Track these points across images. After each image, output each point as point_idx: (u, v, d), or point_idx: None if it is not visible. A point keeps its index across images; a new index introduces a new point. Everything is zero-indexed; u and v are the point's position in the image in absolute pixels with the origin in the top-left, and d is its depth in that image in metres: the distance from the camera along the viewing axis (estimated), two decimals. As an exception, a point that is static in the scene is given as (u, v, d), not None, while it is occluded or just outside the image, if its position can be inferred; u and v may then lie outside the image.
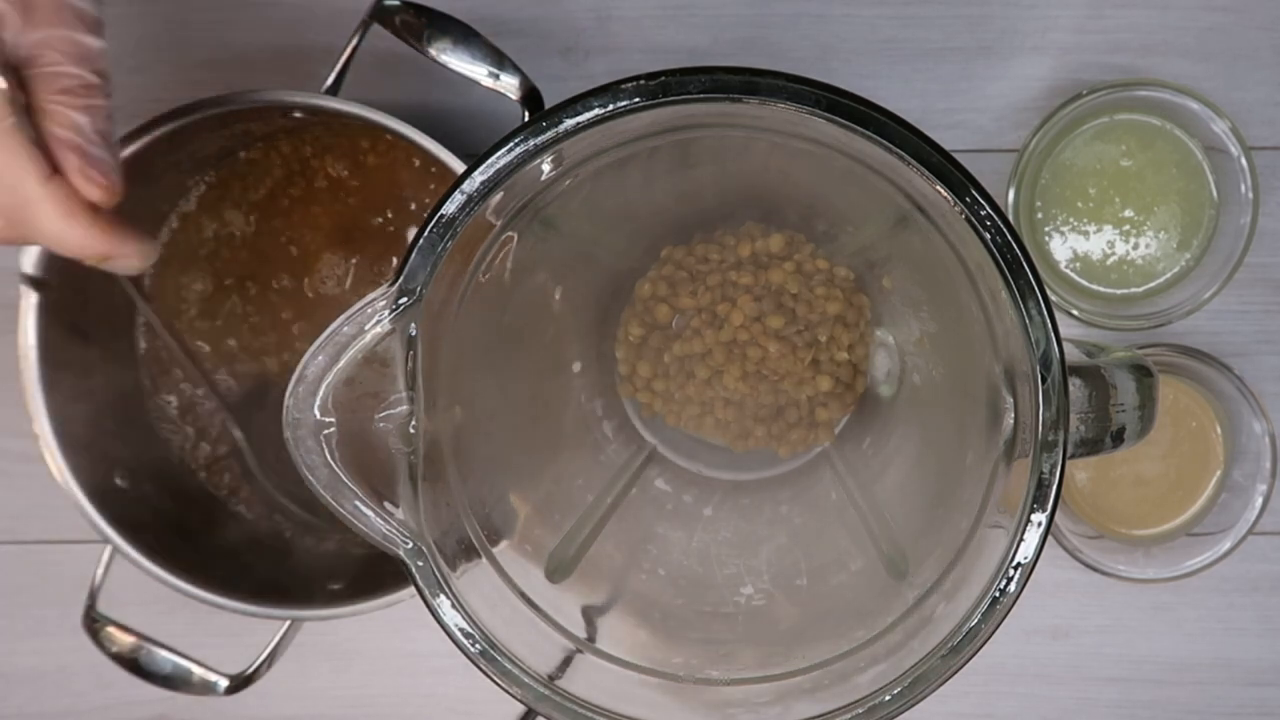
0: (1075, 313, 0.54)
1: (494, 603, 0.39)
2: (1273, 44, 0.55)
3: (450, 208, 0.35)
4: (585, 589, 0.45)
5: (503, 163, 0.35)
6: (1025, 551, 0.36)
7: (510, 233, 0.40)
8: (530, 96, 0.49)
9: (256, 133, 0.54)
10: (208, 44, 0.57)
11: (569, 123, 0.35)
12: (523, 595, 0.40)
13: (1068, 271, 0.55)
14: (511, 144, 0.35)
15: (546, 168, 0.37)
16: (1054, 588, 0.58)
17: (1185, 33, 0.55)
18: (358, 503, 0.36)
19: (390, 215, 0.55)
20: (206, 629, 0.55)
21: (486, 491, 0.42)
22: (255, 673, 0.52)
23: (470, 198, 0.35)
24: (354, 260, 0.56)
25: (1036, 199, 0.55)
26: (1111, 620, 0.58)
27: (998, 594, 0.36)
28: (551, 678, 0.38)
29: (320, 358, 0.35)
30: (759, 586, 0.47)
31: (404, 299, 0.35)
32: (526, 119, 0.45)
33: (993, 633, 0.36)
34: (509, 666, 0.37)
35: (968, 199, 0.34)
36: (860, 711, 0.36)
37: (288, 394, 0.35)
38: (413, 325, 0.36)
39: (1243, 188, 0.53)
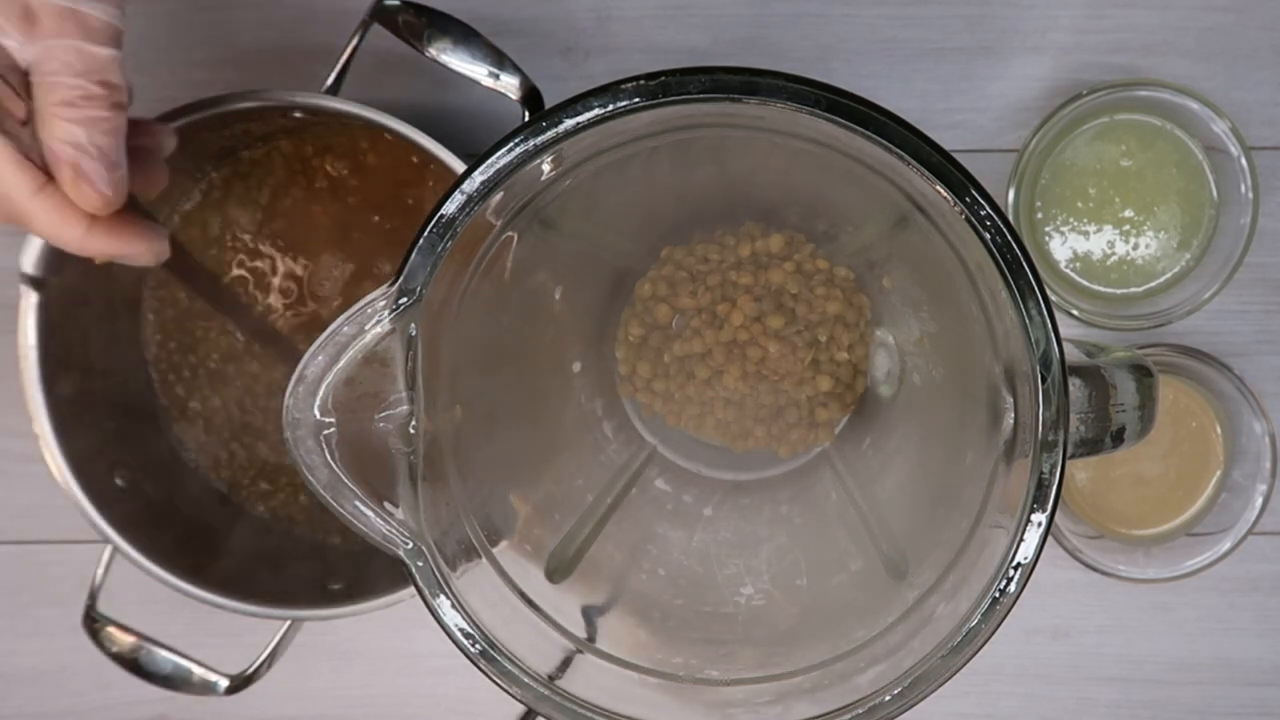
0: (1075, 313, 0.54)
1: (494, 603, 0.39)
2: (1273, 44, 0.55)
3: (450, 208, 0.35)
4: (585, 589, 0.44)
5: (503, 163, 0.35)
6: (1025, 551, 0.36)
7: (510, 233, 0.40)
8: (530, 96, 0.49)
9: (257, 133, 0.54)
10: (208, 44, 0.57)
11: (569, 123, 0.35)
12: (523, 595, 0.40)
13: (1068, 271, 0.55)
14: (511, 144, 0.35)
15: (546, 168, 0.37)
16: (1054, 588, 0.58)
17: (1185, 33, 0.55)
18: (358, 503, 0.36)
19: (390, 215, 0.55)
20: (206, 629, 0.55)
21: (486, 491, 0.42)
22: (255, 673, 0.52)
23: (470, 198, 0.35)
24: (353, 259, 0.56)
25: (1036, 199, 0.55)
26: (1111, 620, 0.58)
27: (998, 594, 0.36)
28: (551, 678, 0.38)
29: (320, 358, 0.35)
30: (759, 586, 0.47)
31: (404, 299, 0.35)
32: (526, 119, 0.45)
33: (993, 633, 0.36)
34: (509, 666, 0.37)
35: (968, 199, 0.34)
36: (860, 712, 0.36)
37: (288, 394, 0.35)
38: (413, 325, 0.36)
39: (1243, 188, 0.53)
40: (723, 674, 0.41)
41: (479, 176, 0.35)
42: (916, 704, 0.36)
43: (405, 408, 0.37)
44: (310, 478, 0.36)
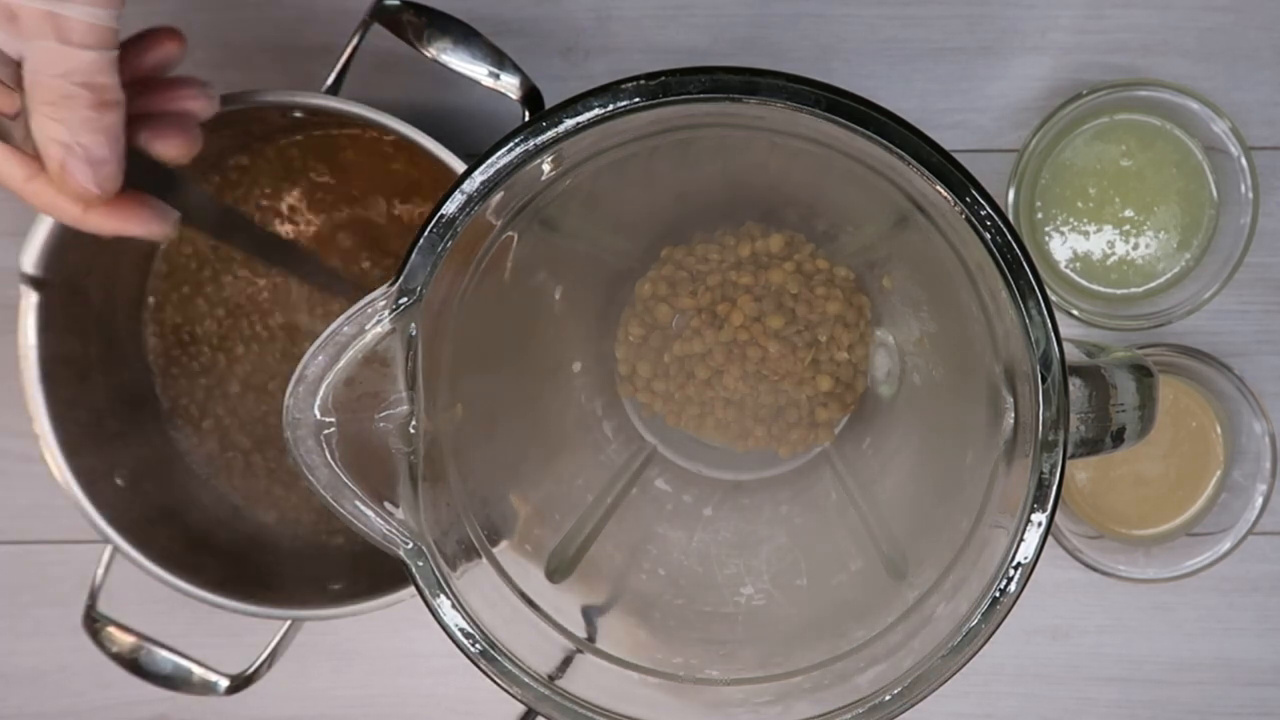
0: (1075, 313, 0.54)
1: (494, 603, 0.39)
2: (1273, 44, 0.55)
3: (450, 208, 0.35)
4: (585, 589, 0.45)
5: (503, 163, 0.35)
6: (1025, 551, 0.36)
7: (510, 233, 0.40)
8: (530, 96, 0.49)
9: (257, 133, 0.54)
10: (208, 44, 0.57)
11: (569, 123, 0.35)
12: (523, 595, 0.40)
13: (1068, 271, 0.55)
14: (511, 144, 0.35)
15: (546, 168, 0.37)
16: (1054, 588, 0.58)
17: (1185, 33, 0.55)
18: (358, 503, 0.36)
19: (390, 215, 0.55)
20: (206, 629, 0.55)
21: (487, 491, 0.42)
22: (255, 673, 0.52)
23: (470, 198, 0.35)
24: (353, 258, 0.56)
25: (1036, 199, 0.55)
26: (1111, 620, 0.58)
27: (998, 594, 0.36)
28: (551, 678, 0.38)
29: (320, 358, 0.35)
30: (759, 586, 0.47)
31: (404, 299, 0.35)
32: (526, 119, 0.45)
33: (993, 633, 0.36)
34: (509, 666, 0.37)
35: (968, 199, 0.34)
36: (860, 711, 0.36)
37: (288, 394, 0.35)
38: (413, 325, 0.36)
39: (1243, 188, 0.53)
40: (723, 674, 0.41)
41: (479, 176, 0.35)
42: (916, 704, 0.36)
43: (405, 408, 0.37)
44: (310, 478, 0.36)
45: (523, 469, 0.48)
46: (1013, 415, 0.37)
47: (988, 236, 0.34)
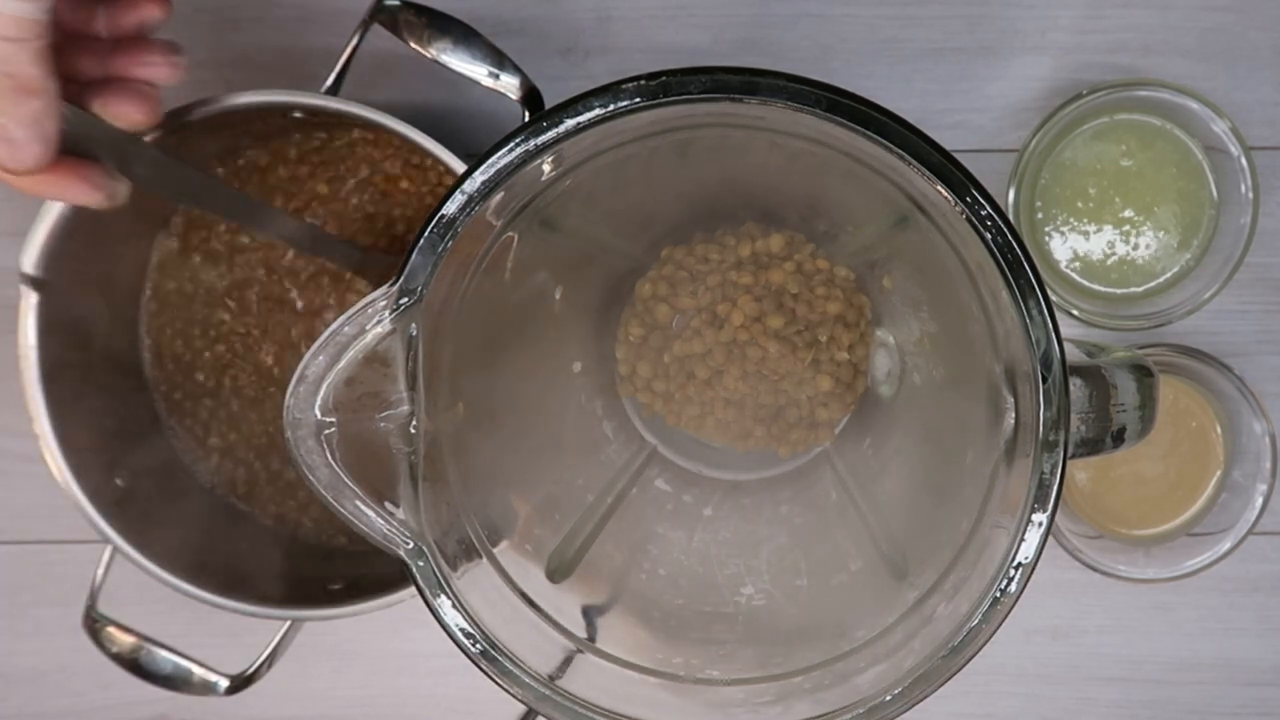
0: (1075, 313, 0.54)
1: (494, 603, 0.39)
2: (1273, 44, 0.56)
3: (450, 208, 0.35)
4: (585, 589, 0.45)
5: (503, 163, 0.35)
6: (1026, 551, 0.36)
7: (510, 233, 0.40)
8: (530, 96, 0.49)
9: (256, 133, 0.54)
10: (208, 44, 0.57)
11: (569, 123, 0.35)
12: (523, 595, 0.40)
13: (1068, 271, 0.55)
14: (512, 144, 0.35)
15: (547, 168, 0.37)
16: (1054, 588, 0.58)
17: (1185, 33, 0.55)
18: (358, 503, 0.36)
19: (390, 215, 0.55)
20: (206, 629, 0.55)
21: (487, 491, 0.42)
22: (255, 673, 0.52)
23: (470, 198, 0.35)
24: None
25: (1036, 199, 0.55)
26: (1111, 620, 0.58)
27: (998, 594, 0.36)
28: (552, 678, 0.38)
29: (321, 358, 0.35)
30: (759, 586, 0.47)
31: (405, 299, 0.35)
32: (526, 119, 0.45)
33: (993, 633, 0.36)
34: (509, 666, 0.37)
35: (968, 199, 0.34)
36: (861, 712, 0.36)
37: (288, 394, 0.35)
38: (413, 325, 0.36)
39: (1243, 188, 0.53)
40: (723, 674, 0.41)
41: (479, 176, 0.35)
42: (917, 704, 0.36)
43: (406, 408, 0.37)
44: (311, 478, 0.36)
45: (523, 469, 0.48)
46: (1013, 415, 0.37)
47: (988, 236, 0.34)
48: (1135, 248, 0.55)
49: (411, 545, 0.36)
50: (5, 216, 0.58)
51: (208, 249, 0.56)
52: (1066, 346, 0.35)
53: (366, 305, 0.35)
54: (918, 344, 0.51)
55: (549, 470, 0.50)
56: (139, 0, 0.43)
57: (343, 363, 0.35)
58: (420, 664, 0.60)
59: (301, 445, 0.35)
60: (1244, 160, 0.52)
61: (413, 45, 0.49)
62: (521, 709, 0.56)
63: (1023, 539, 0.36)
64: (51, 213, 0.48)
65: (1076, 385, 0.36)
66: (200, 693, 0.52)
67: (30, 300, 0.50)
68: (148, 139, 0.47)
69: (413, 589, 0.37)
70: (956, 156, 0.34)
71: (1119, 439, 0.37)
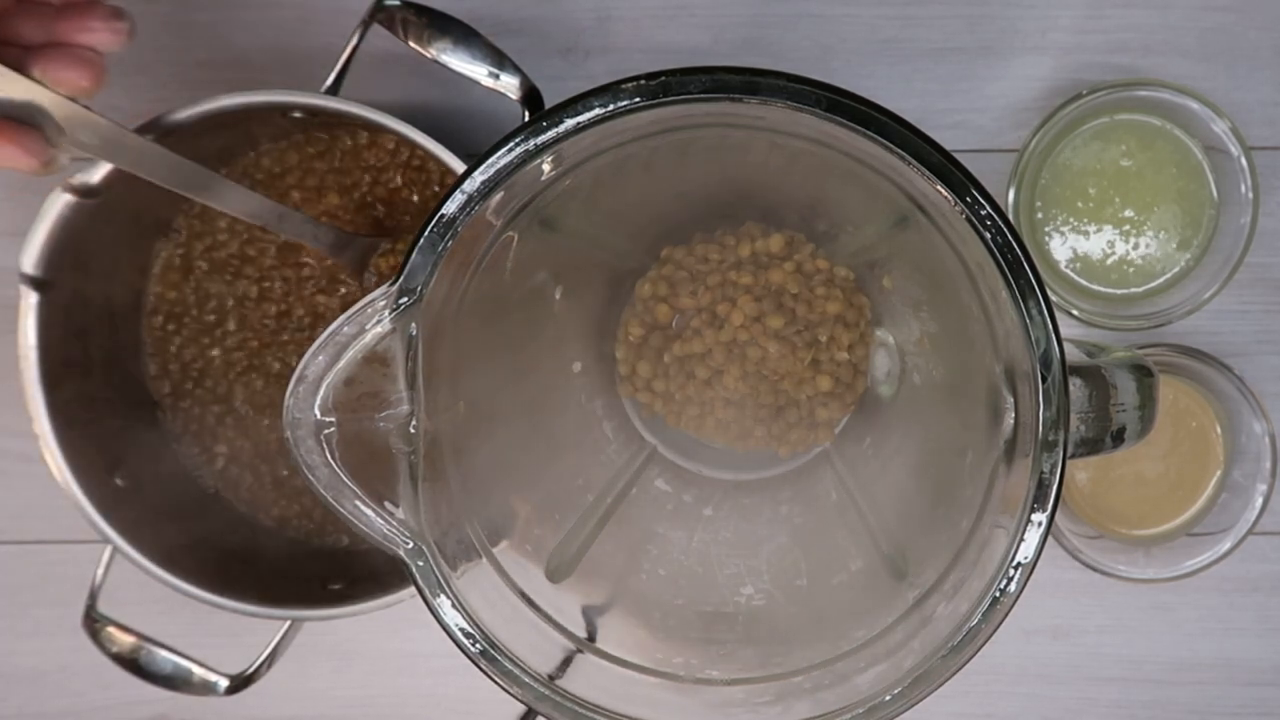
0: (1075, 313, 0.54)
1: (494, 603, 0.39)
2: (1273, 44, 0.56)
3: (450, 208, 0.35)
4: (585, 589, 0.44)
5: (503, 163, 0.35)
6: (1025, 551, 0.36)
7: (510, 233, 0.40)
8: (530, 96, 0.49)
9: (256, 133, 0.54)
10: (208, 44, 0.57)
11: (569, 123, 0.35)
12: (523, 595, 0.40)
13: (1068, 271, 0.55)
14: (512, 144, 0.35)
15: (547, 168, 0.37)
16: (1054, 588, 0.58)
17: (1185, 33, 0.55)
18: (358, 503, 0.36)
19: (390, 215, 0.55)
20: (206, 629, 0.55)
21: (487, 491, 0.42)
22: (255, 673, 0.52)
23: (470, 198, 0.35)
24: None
25: (1036, 199, 0.55)
26: (1111, 620, 0.58)
27: (998, 594, 0.36)
28: (551, 677, 0.38)
29: (321, 358, 0.35)
30: (759, 586, 0.47)
31: (404, 299, 0.35)
32: (526, 119, 0.45)
33: (993, 633, 0.36)
34: (509, 666, 0.37)
35: (968, 199, 0.34)
36: (860, 712, 0.36)
37: (288, 393, 0.35)
38: (413, 325, 0.36)
39: (1243, 188, 0.53)
40: (723, 674, 0.41)
41: (479, 176, 0.35)
42: (916, 704, 0.36)
43: (406, 407, 0.37)
44: (310, 477, 0.36)
45: (523, 469, 0.48)
46: (1013, 415, 0.37)
47: (988, 236, 0.34)
48: (1135, 248, 0.55)
49: (411, 545, 0.36)
50: (5, 216, 0.58)
51: (212, 258, 0.56)
52: (1066, 346, 0.35)
53: (366, 305, 0.35)
54: (918, 344, 0.51)
55: (549, 470, 0.50)
56: (84, 26, 0.42)
57: (342, 362, 0.35)
58: (420, 664, 0.60)
59: (301, 445, 0.35)
60: (1244, 160, 0.52)
61: (413, 45, 0.49)
62: (521, 709, 0.57)
63: (1022, 539, 0.36)
64: (51, 213, 0.48)
65: (1076, 385, 0.36)
66: (200, 693, 0.52)
67: (30, 300, 0.50)
68: (106, 168, 0.46)
69: (413, 589, 0.37)
70: (956, 156, 0.34)
71: (1119, 439, 0.37)
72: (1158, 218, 0.55)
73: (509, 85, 0.49)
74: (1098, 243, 0.55)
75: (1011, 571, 0.36)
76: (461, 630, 0.37)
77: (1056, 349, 0.35)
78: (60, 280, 0.50)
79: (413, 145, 0.49)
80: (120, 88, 0.57)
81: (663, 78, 0.34)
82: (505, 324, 0.46)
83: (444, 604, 0.37)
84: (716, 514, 0.52)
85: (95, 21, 0.43)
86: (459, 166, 0.49)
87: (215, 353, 0.56)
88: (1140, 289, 0.55)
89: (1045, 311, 0.34)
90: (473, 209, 0.35)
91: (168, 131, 0.48)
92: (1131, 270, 0.55)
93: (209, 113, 0.48)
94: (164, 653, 0.52)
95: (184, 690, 0.52)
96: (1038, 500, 0.35)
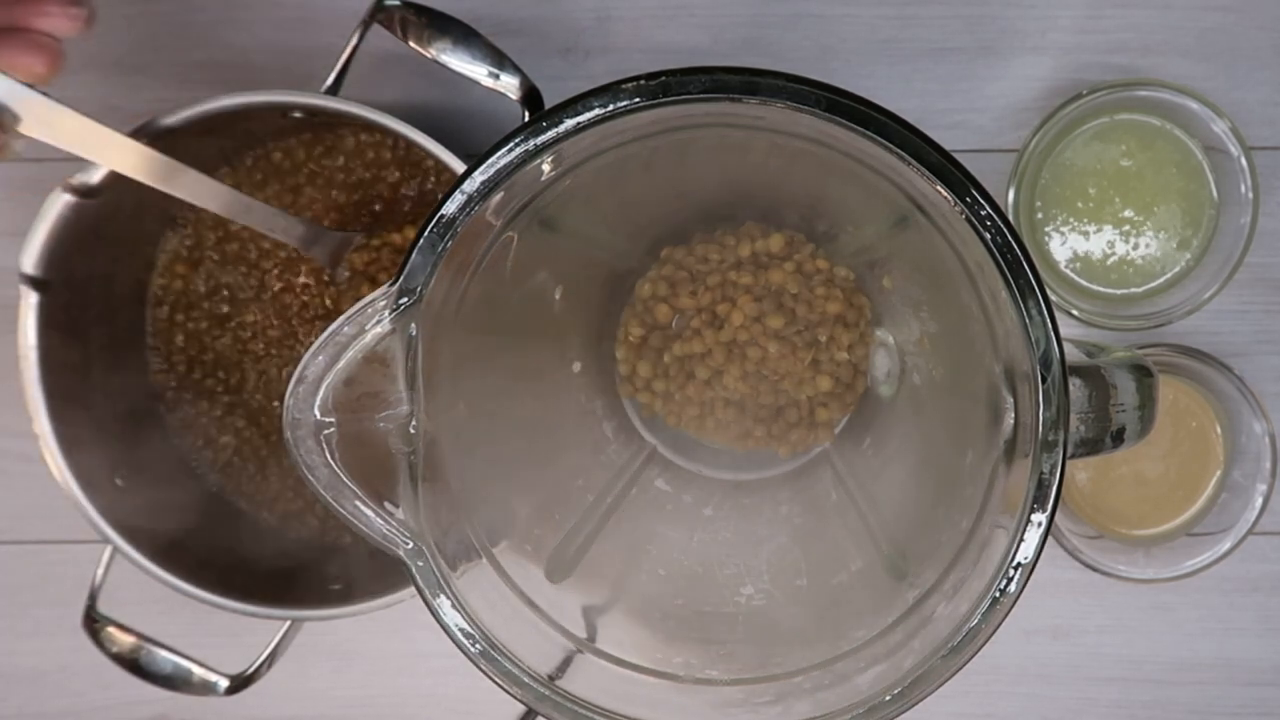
0: (1075, 313, 0.54)
1: (494, 603, 0.39)
2: (1273, 44, 0.55)
3: (450, 208, 0.35)
4: (585, 589, 0.44)
5: (503, 163, 0.35)
6: (1025, 551, 0.36)
7: (510, 233, 0.40)
8: (530, 96, 0.49)
9: (257, 133, 0.54)
10: (208, 44, 0.57)
11: (569, 123, 0.35)
12: (523, 595, 0.40)
13: (1068, 271, 0.55)
14: (511, 144, 0.35)
15: (546, 168, 0.37)
16: (1054, 588, 0.58)
17: (1185, 33, 0.55)
18: (358, 503, 0.36)
19: (390, 215, 0.55)
20: (206, 629, 0.55)
21: (487, 491, 0.42)
22: (255, 673, 0.52)
23: (470, 198, 0.35)
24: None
25: (1036, 199, 0.55)
26: (1111, 620, 0.58)
27: (998, 594, 0.36)
28: (551, 678, 0.38)
29: (320, 358, 0.35)
30: (759, 586, 0.47)
31: (404, 299, 0.35)
32: (526, 119, 0.45)
33: (993, 633, 0.36)
34: (509, 666, 0.37)
35: (968, 199, 0.34)
36: (860, 712, 0.36)
37: (288, 394, 0.35)
38: (413, 325, 0.36)
39: (1243, 188, 0.53)
40: (723, 674, 0.41)
41: (479, 176, 0.35)
42: (916, 704, 0.36)
43: (405, 408, 0.37)
44: (310, 478, 0.36)
45: (523, 469, 0.48)
46: (1013, 415, 0.37)
47: (988, 236, 0.34)
48: (1135, 248, 0.55)
49: (411, 545, 0.36)
50: (5, 216, 0.58)
51: (222, 250, 0.56)
52: (1066, 346, 0.35)
53: (366, 305, 0.35)
54: (917, 344, 0.51)
55: (549, 470, 0.50)
56: (41, 10, 0.42)
57: (342, 363, 0.35)
58: (420, 664, 0.60)
59: (301, 445, 0.35)
60: (1244, 160, 0.52)
61: (413, 45, 0.49)
62: (521, 709, 0.57)
63: (1022, 539, 0.36)
64: (51, 213, 0.48)
65: (1076, 385, 0.36)
66: (200, 693, 0.52)
67: (30, 300, 0.50)
68: (106, 168, 0.46)
69: (413, 589, 0.37)
70: (956, 156, 0.34)
71: (1118, 439, 0.37)
72: (1158, 218, 0.55)
73: (509, 85, 0.49)
74: (1098, 243, 0.55)
75: (1011, 572, 0.36)
76: (461, 630, 0.37)
77: (1056, 349, 0.35)
78: (60, 280, 0.50)
79: (413, 145, 0.49)
80: (120, 87, 0.57)
81: (662, 78, 0.34)
82: (505, 324, 0.46)
83: (444, 604, 0.37)
84: (716, 514, 0.52)
85: (52, 6, 0.42)
86: (459, 166, 0.49)
87: (226, 349, 0.56)
88: (1140, 289, 0.55)
89: (1045, 311, 0.34)
90: (472, 209, 0.35)
91: (167, 131, 0.48)
92: (1131, 270, 0.55)
93: (209, 113, 0.48)
94: (164, 653, 0.52)
95: (184, 690, 0.52)
96: (1038, 500, 0.35)
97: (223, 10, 0.57)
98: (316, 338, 0.52)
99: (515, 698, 0.37)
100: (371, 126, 0.49)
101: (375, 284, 0.53)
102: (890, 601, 0.41)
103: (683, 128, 0.39)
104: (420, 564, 0.37)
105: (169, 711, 0.60)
